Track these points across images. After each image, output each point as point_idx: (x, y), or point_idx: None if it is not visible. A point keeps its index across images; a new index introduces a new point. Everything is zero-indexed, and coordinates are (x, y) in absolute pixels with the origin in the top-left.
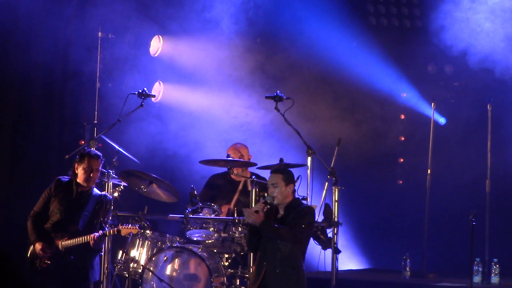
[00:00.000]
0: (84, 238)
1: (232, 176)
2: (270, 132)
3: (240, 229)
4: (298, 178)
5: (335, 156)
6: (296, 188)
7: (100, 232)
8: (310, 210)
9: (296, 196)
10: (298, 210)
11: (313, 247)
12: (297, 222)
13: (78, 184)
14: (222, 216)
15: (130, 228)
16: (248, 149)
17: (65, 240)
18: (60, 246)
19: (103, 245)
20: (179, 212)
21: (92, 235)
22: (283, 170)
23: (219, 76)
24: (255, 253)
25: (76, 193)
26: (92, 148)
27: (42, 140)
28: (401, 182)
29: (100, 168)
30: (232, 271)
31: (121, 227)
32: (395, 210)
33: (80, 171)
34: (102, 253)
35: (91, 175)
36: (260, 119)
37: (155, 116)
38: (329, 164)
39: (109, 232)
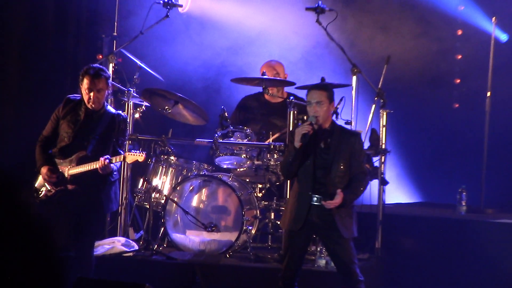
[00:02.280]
0: (93, 165)
1: (267, 96)
2: (309, 49)
3: (275, 156)
4: (341, 99)
5: (383, 76)
6: (339, 111)
7: (106, 157)
8: (360, 139)
9: (340, 119)
10: (352, 141)
11: None
12: (356, 159)
13: (86, 105)
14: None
15: (136, 154)
16: (284, 67)
17: (72, 167)
18: (66, 174)
19: (116, 171)
20: (207, 137)
21: (99, 161)
22: (327, 86)
23: None
24: (292, 179)
25: (85, 115)
26: (99, 63)
27: (54, 54)
28: (457, 105)
29: (105, 87)
30: (266, 203)
31: (127, 153)
32: (450, 137)
33: (82, 92)
34: (116, 180)
35: (92, 96)
36: (298, 34)
37: (181, 29)
38: (377, 84)
39: (115, 159)
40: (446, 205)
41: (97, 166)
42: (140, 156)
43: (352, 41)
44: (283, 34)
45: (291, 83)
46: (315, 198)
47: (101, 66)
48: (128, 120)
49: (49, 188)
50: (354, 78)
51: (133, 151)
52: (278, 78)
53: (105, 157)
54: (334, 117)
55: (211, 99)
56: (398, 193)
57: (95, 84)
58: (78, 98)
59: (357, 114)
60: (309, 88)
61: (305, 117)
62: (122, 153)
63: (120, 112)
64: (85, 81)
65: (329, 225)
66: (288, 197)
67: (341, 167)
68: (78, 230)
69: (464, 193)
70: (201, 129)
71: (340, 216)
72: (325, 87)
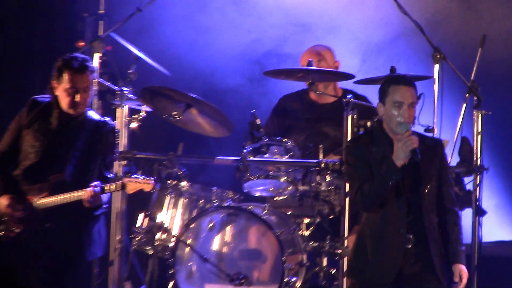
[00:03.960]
0: (74, 195)
1: (313, 95)
2: (373, 29)
3: (328, 179)
4: (419, 96)
5: (477, 63)
6: (416, 113)
7: (97, 184)
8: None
9: (418, 124)
10: (439, 153)
11: None
12: (445, 181)
13: (60, 109)
14: (302, 159)
15: (140, 181)
16: (334, 53)
17: (44, 196)
18: (36, 205)
19: (107, 203)
20: (232, 153)
21: (87, 191)
22: (412, 82)
23: None
24: (372, 212)
25: (59, 122)
26: (80, 53)
27: (18, 42)
28: None
29: (91, 86)
30: (316, 244)
31: (126, 179)
32: None
33: (60, 93)
34: (101, 214)
35: (77, 98)
36: (358, 9)
37: (196, 5)
38: (468, 76)
39: (109, 187)
40: None
41: (83, 197)
42: (146, 184)
43: (434, 17)
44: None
45: (349, 76)
46: (410, 238)
47: (85, 57)
48: (121, 131)
49: (11, 227)
50: (437, 67)
51: (135, 175)
52: (328, 69)
53: (95, 184)
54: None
55: (238, 101)
56: (499, 227)
57: (80, 82)
58: (47, 100)
59: (441, 118)
60: (394, 82)
61: (368, 123)
62: (109, 176)
63: (106, 119)
64: (65, 77)
65: (426, 271)
66: (356, 235)
67: (431, 190)
68: (51, 285)
69: None
70: (223, 143)
71: (438, 258)
72: (412, 83)
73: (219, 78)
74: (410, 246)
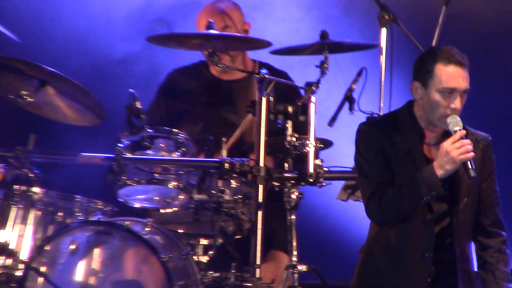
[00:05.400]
0: None
1: (214, 71)
2: None
3: (234, 184)
4: (360, 72)
5: (440, 27)
6: (354, 94)
7: None
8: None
9: (357, 110)
10: (487, 153)
11: None
12: (492, 192)
13: None
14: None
15: None
16: (242, 12)
17: None
18: None
19: None
20: (103, 149)
21: None
22: (466, 58)
23: None
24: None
25: None
26: None
27: None
28: None
29: None
30: (217, 274)
31: None
32: None
33: None
34: None
35: None
36: None
37: None
38: (427, 44)
39: None
40: None
41: None
42: None
43: None
44: None
45: (264, 43)
46: (432, 270)
47: None
48: None
49: None
50: (384, 32)
51: None
52: (235, 33)
53: None
54: (347, 107)
55: (112, 78)
56: None
57: None
58: None
59: (390, 100)
60: (443, 58)
61: (289, 108)
62: None
63: None
64: None
65: None
66: (362, 257)
67: (467, 206)
68: None
69: None
70: (92, 134)
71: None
72: (467, 60)
73: (94, 49)
74: (430, 279)
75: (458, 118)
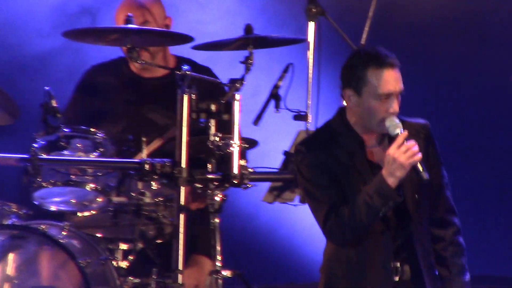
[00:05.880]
0: None
1: (134, 67)
2: None
3: (154, 186)
4: (286, 69)
5: (370, 20)
6: (280, 92)
7: None
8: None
9: (284, 108)
10: (428, 143)
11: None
12: (437, 176)
13: None
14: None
15: None
16: (163, 7)
17: None
18: None
19: None
20: (17, 149)
21: None
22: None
23: None
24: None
25: None
26: None
27: None
28: None
29: None
30: (138, 280)
31: None
32: None
33: None
34: None
35: None
36: None
37: None
38: (357, 39)
39: None
40: None
41: None
42: None
43: None
44: None
45: (186, 39)
46: (398, 268)
47: None
48: None
49: None
50: (312, 26)
51: None
52: (156, 28)
53: None
54: (273, 105)
55: (31, 75)
56: None
57: None
58: None
59: (318, 99)
60: (373, 62)
61: (212, 106)
62: None
63: None
64: None
65: None
66: (323, 278)
67: (420, 197)
68: None
69: None
70: (5, 134)
71: None
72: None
73: (12, 43)
74: (397, 279)
75: (396, 120)
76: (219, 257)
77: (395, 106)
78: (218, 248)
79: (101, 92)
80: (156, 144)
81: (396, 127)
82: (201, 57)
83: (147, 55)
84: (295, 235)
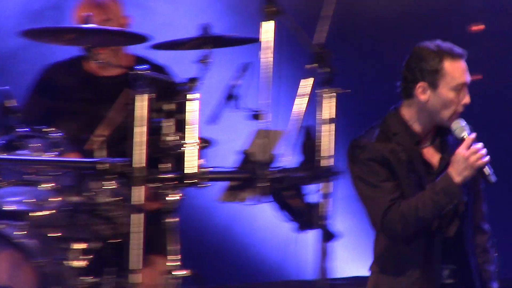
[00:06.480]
0: None
1: (91, 66)
2: None
3: (112, 185)
4: (245, 68)
5: (330, 19)
6: (236, 91)
7: None
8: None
9: (240, 108)
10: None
11: (276, 227)
12: (478, 185)
13: None
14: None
15: None
16: (121, 5)
17: None
18: None
19: None
20: None
21: None
22: None
23: None
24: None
25: None
26: None
27: None
28: (481, 77)
29: None
30: (94, 280)
31: None
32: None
33: None
34: None
35: None
36: None
37: None
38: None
39: None
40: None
41: None
42: None
43: None
44: None
45: (143, 38)
46: (446, 273)
47: None
48: None
49: None
50: (267, 26)
51: None
52: (111, 27)
53: None
54: (232, 105)
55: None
56: (356, 257)
57: None
58: None
59: (277, 97)
60: (449, 54)
61: (168, 107)
62: None
63: None
64: None
65: None
66: (372, 276)
67: (470, 202)
68: None
69: None
70: None
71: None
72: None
73: None
74: (448, 279)
75: (463, 122)
76: (176, 257)
77: (467, 97)
78: (176, 247)
79: (58, 90)
80: (101, 133)
81: (462, 129)
82: (165, 57)
83: (107, 53)
84: (251, 234)
